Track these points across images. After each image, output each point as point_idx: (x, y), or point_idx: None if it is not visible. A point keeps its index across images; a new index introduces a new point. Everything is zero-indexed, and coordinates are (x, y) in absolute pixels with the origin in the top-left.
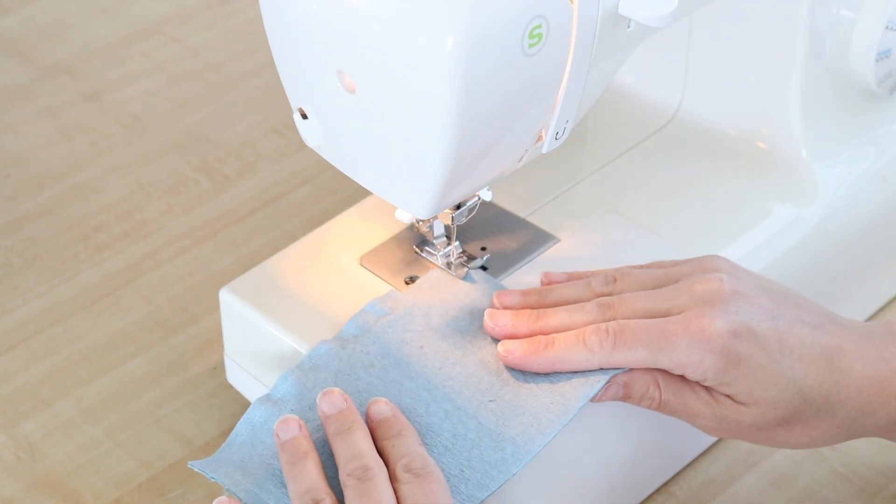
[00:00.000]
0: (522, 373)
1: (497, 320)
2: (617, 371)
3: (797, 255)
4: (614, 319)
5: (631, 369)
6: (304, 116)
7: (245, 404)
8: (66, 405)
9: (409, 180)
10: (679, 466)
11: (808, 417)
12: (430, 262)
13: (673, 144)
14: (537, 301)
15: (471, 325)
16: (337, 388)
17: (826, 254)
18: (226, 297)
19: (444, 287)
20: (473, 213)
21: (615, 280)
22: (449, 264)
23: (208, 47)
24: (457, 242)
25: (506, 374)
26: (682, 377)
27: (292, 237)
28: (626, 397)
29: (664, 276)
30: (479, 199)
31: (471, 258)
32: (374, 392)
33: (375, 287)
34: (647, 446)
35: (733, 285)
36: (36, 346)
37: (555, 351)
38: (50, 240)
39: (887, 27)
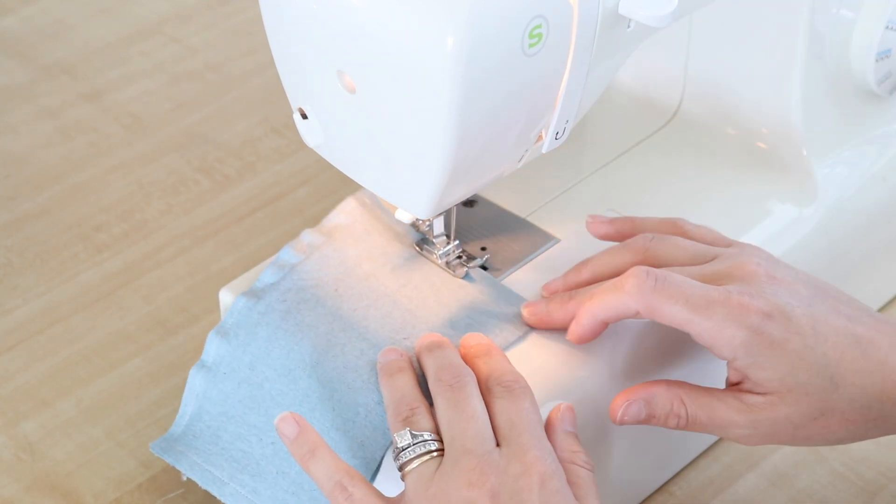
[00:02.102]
0: (437, 313)
1: (532, 308)
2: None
3: (797, 255)
4: None
5: (652, 387)
6: (304, 116)
7: None
8: (66, 405)
9: (409, 180)
10: (679, 466)
11: (842, 408)
12: (431, 260)
13: (673, 144)
14: (574, 278)
15: (384, 265)
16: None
17: (826, 254)
18: (226, 297)
19: (359, 224)
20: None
21: (652, 239)
22: (448, 263)
23: (208, 47)
24: (457, 242)
25: (420, 312)
26: (706, 389)
27: (292, 237)
28: (649, 417)
29: (702, 252)
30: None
31: (471, 258)
32: (292, 339)
33: None
34: (647, 446)
35: (769, 270)
36: (36, 346)
37: (588, 298)
38: (50, 240)
39: (887, 27)
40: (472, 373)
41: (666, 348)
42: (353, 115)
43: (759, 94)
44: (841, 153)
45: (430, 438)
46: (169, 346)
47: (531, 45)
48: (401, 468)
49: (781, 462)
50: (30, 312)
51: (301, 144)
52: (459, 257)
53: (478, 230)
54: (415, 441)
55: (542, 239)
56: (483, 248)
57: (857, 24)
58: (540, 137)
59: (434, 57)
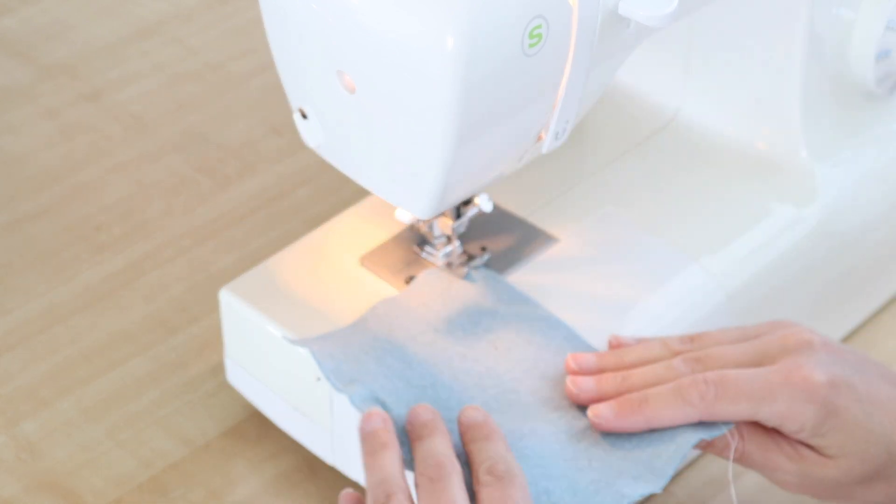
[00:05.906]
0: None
1: (580, 385)
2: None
3: (797, 255)
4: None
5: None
6: (304, 116)
7: (245, 404)
8: (66, 405)
9: (410, 180)
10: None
11: (890, 475)
12: (430, 262)
13: (673, 144)
14: (615, 362)
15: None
16: (424, 403)
17: (826, 254)
18: (226, 297)
19: (437, 288)
20: (471, 220)
21: (692, 340)
22: (449, 264)
23: (208, 47)
24: (457, 242)
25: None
26: (766, 429)
27: (292, 237)
28: (707, 446)
29: (742, 333)
30: (479, 208)
31: (471, 258)
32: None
33: (376, 287)
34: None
35: (822, 338)
36: (36, 346)
37: (651, 408)
38: (50, 240)
39: (887, 27)
40: (457, 465)
41: None
42: (353, 115)
43: (758, 94)
44: (841, 153)
45: None
46: (169, 346)
47: (531, 46)
48: None
49: None
50: (30, 312)
51: (301, 144)
52: (460, 258)
53: (478, 230)
54: None
55: (542, 239)
56: (483, 248)
57: (857, 24)
58: (540, 137)
59: (434, 57)
